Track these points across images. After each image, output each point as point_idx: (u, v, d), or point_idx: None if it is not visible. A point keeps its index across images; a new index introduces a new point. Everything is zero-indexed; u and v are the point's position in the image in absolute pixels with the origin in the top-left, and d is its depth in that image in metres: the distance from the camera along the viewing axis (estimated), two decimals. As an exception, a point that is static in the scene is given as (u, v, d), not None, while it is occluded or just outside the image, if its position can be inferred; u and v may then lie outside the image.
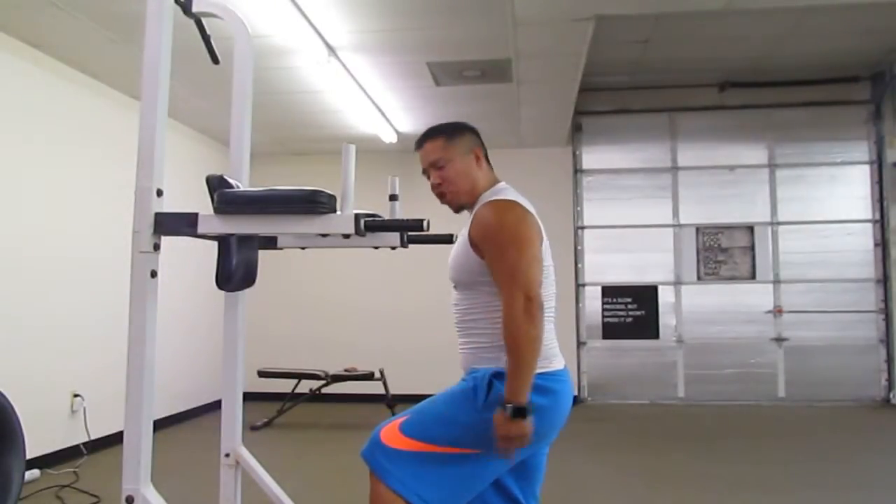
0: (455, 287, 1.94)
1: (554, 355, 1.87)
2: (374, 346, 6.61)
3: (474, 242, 1.84)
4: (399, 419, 1.83)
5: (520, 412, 1.65)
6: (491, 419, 1.70)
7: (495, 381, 1.75)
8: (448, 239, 2.14)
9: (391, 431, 1.80)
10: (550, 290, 1.94)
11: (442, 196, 1.98)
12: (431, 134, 1.98)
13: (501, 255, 1.78)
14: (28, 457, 2.92)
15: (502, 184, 1.99)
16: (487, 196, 1.92)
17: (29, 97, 4.07)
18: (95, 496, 3.48)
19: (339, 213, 1.67)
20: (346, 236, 1.78)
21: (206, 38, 2.18)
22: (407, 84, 4.97)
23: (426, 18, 3.89)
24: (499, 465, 1.81)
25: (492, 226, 1.82)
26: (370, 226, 1.69)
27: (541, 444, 1.89)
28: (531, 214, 1.88)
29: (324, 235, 1.85)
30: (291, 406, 5.69)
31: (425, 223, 1.68)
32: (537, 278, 1.78)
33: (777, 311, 6.60)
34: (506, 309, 1.72)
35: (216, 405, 3.36)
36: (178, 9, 1.97)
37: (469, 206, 1.95)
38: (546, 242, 1.93)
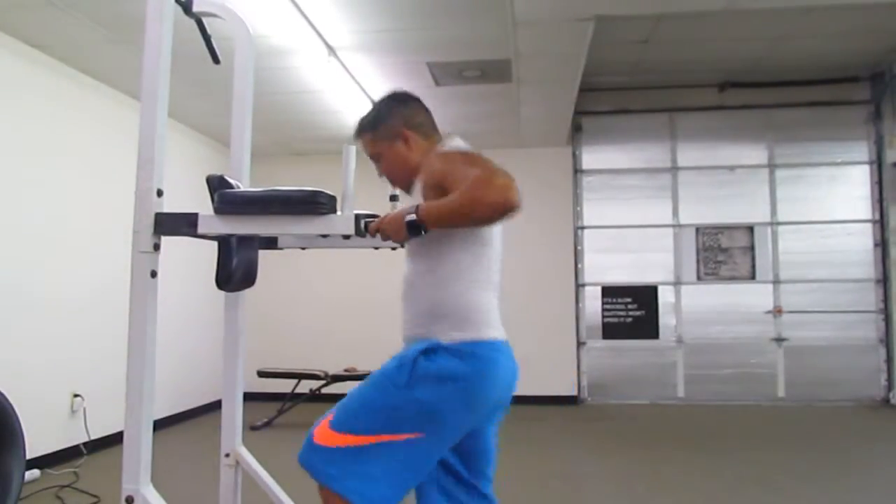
0: (407, 255, 1.87)
1: (488, 325, 1.79)
2: (373, 346, 6.58)
3: (435, 183, 1.73)
4: (329, 415, 1.75)
5: (413, 226, 1.60)
6: (420, 398, 1.66)
7: (421, 358, 1.70)
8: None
9: (322, 429, 1.72)
10: (494, 269, 1.86)
11: (391, 182, 1.97)
12: (358, 131, 1.95)
13: (465, 172, 1.64)
14: (28, 457, 2.92)
15: (438, 146, 1.91)
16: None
17: (29, 97, 4.07)
18: (95, 496, 3.47)
19: (339, 213, 1.68)
20: (347, 237, 1.78)
21: (206, 38, 2.18)
22: (407, 84, 4.94)
23: (426, 18, 3.89)
24: (440, 446, 1.75)
25: (440, 165, 1.75)
26: (370, 227, 1.70)
27: (473, 417, 1.79)
28: None
29: (324, 236, 1.85)
30: (291, 406, 5.69)
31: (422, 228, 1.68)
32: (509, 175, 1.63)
33: (777, 311, 6.60)
34: (475, 182, 1.58)
35: (216, 405, 3.36)
36: (179, 9, 1.97)
37: (415, 179, 1.88)
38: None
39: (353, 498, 1.66)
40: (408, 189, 1.92)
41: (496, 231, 1.86)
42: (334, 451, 1.69)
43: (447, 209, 1.61)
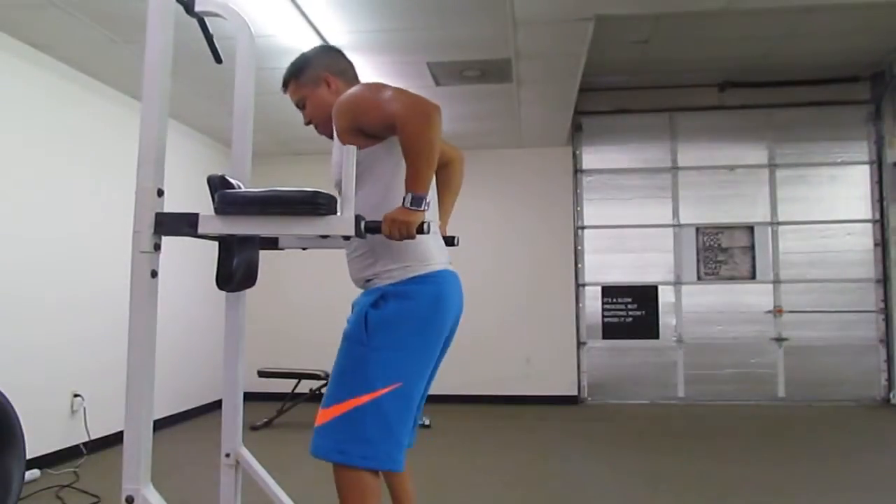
0: (338, 196, 1.90)
1: (429, 256, 1.85)
2: (374, 346, 6.60)
3: (341, 132, 1.82)
4: (328, 403, 1.80)
5: (417, 201, 1.65)
6: (384, 346, 1.73)
7: (371, 311, 1.77)
8: (450, 241, 2.13)
9: (319, 414, 1.79)
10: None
11: (316, 129, 2.06)
12: (284, 79, 2.08)
13: (387, 104, 1.73)
14: (28, 457, 2.92)
15: None
16: None
17: (29, 97, 4.07)
18: (95, 496, 3.47)
19: (339, 214, 1.67)
20: (347, 238, 1.78)
21: (208, 38, 2.18)
22: (407, 84, 4.93)
23: (426, 18, 3.89)
24: (419, 386, 1.82)
25: (348, 102, 1.83)
26: (370, 227, 1.69)
27: (438, 342, 1.85)
28: None
29: (324, 237, 1.85)
30: (291, 406, 5.69)
31: (426, 226, 1.68)
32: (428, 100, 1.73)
33: (777, 311, 6.60)
34: (404, 112, 1.67)
35: (216, 405, 3.37)
36: (180, 9, 1.97)
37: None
38: None
39: (358, 462, 1.71)
40: (331, 134, 1.96)
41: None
42: (329, 426, 1.74)
43: (415, 163, 1.67)
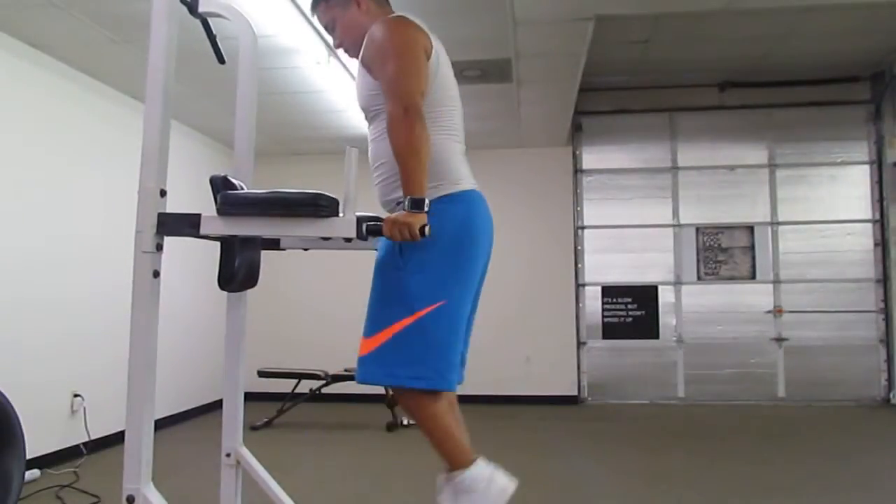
0: (365, 118, 1.99)
1: (457, 176, 1.89)
2: (374, 346, 6.61)
3: (366, 63, 1.89)
4: (371, 332, 1.82)
5: (417, 203, 1.67)
6: (421, 266, 1.75)
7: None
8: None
9: (361, 345, 1.80)
10: (457, 118, 1.98)
11: (346, 52, 2.07)
12: (313, 3, 2.08)
13: (383, 68, 1.82)
14: (28, 457, 2.92)
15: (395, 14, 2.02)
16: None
17: (29, 97, 4.07)
18: (95, 496, 3.47)
19: (341, 216, 1.68)
20: (348, 240, 1.79)
21: (212, 38, 2.18)
22: (407, 84, 4.97)
23: (426, 18, 3.86)
24: (463, 307, 1.83)
25: (375, 41, 1.87)
26: (372, 230, 1.70)
27: (475, 256, 1.87)
28: (418, 28, 1.93)
29: (326, 238, 1.86)
30: (291, 406, 5.69)
31: (426, 228, 1.68)
32: (417, 88, 1.79)
33: (777, 311, 6.61)
34: (388, 120, 1.76)
35: (216, 405, 3.36)
36: (183, 9, 1.97)
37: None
38: (444, 60, 1.97)
39: (409, 383, 1.74)
40: (360, 56, 1.98)
41: (453, 85, 2.00)
42: (376, 353, 1.76)
43: (406, 171, 1.71)
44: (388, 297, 1.78)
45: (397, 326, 1.74)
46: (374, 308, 1.82)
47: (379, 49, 1.85)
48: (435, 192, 1.80)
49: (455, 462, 1.82)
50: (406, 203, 1.68)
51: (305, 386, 5.74)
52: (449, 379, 1.79)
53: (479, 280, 1.94)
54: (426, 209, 1.68)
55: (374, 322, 1.78)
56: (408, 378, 1.73)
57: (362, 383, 1.79)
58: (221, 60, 2.22)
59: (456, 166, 1.88)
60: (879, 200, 6.55)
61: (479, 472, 1.81)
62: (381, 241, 1.84)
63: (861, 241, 6.59)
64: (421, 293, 1.74)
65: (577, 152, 6.98)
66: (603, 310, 6.81)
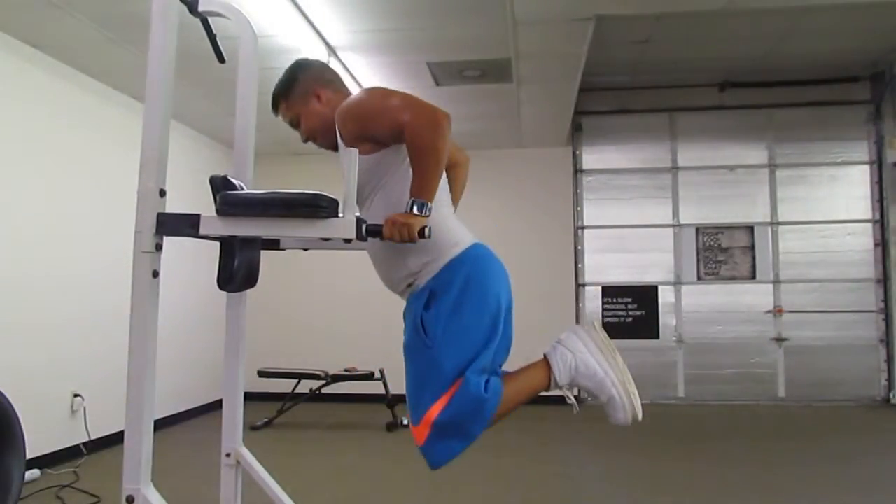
0: (357, 202, 1.94)
1: (458, 240, 1.87)
2: (374, 346, 6.60)
3: (353, 136, 1.81)
4: (410, 423, 1.85)
5: (421, 207, 1.67)
6: (446, 338, 1.76)
7: (423, 314, 1.79)
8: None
9: (415, 434, 1.81)
10: (442, 180, 1.90)
11: (318, 145, 2.04)
12: (273, 103, 2.06)
13: (384, 111, 1.76)
14: (28, 457, 2.92)
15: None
16: None
17: (29, 97, 4.07)
18: (95, 496, 3.47)
19: (340, 216, 1.67)
20: (348, 241, 1.79)
21: (212, 38, 2.17)
22: (407, 84, 4.97)
23: (426, 18, 3.89)
24: (492, 343, 1.86)
25: (354, 110, 1.84)
26: (371, 230, 1.70)
27: (496, 305, 1.91)
28: None
29: (325, 239, 1.85)
30: (291, 406, 5.70)
31: (427, 230, 1.68)
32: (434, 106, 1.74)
33: (777, 311, 6.61)
34: (417, 123, 1.69)
35: (216, 405, 3.36)
36: (183, 9, 1.96)
37: (334, 133, 1.93)
38: None
39: (481, 431, 1.79)
40: (334, 146, 1.95)
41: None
42: (434, 436, 1.77)
43: (423, 172, 1.68)
44: (425, 380, 1.80)
45: (441, 404, 1.76)
46: (415, 394, 1.82)
47: (368, 108, 1.82)
48: (441, 260, 1.81)
49: (545, 380, 2.08)
50: (409, 204, 1.67)
51: (305, 386, 5.74)
52: (494, 390, 1.84)
53: (505, 314, 1.98)
54: (427, 213, 1.68)
55: (419, 407, 1.80)
56: (475, 432, 1.78)
57: (440, 467, 1.81)
58: (221, 60, 2.21)
59: (450, 225, 1.88)
60: (879, 200, 6.55)
61: (562, 357, 2.10)
62: (405, 324, 1.87)
63: (861, 241, 6.59)
64: (454, 364, 1.77)
65: (577, 152, 6.98)
66: (603, 310, 6.81)
